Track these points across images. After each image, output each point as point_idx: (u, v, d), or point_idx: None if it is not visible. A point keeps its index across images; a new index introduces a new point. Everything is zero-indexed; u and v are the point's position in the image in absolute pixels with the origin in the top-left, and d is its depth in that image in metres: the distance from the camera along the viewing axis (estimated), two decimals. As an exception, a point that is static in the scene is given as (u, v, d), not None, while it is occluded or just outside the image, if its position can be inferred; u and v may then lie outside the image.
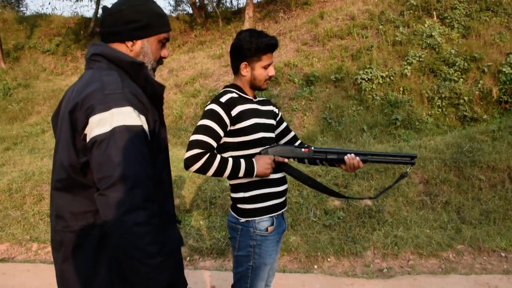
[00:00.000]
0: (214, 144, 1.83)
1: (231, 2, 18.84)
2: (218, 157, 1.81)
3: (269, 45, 1.90)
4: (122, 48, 1.42)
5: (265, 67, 1.93)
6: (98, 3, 15.05)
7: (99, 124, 1.19)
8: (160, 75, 10.22)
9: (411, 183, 4.75)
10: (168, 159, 1.54)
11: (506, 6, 8.97)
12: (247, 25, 12.16)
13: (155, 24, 1.44)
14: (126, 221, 1.13)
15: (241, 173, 1.84)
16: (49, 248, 4.58)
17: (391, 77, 8.03)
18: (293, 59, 9.21)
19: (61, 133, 1.30)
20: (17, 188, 5.41)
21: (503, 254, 3.86)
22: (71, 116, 1.25)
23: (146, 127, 1.31)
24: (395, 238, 4.04)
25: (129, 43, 1.43)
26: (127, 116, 1.22)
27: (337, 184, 4.75)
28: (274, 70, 2.00)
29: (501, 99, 7.21)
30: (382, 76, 7.99)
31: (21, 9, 18.96)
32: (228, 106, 1.85)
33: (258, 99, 2.07)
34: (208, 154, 1.78)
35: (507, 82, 7.25)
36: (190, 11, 15.95)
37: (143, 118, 1.29)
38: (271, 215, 1.95)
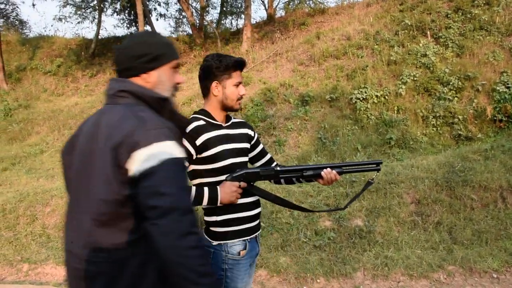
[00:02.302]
0: None
1: (231, 23, 19.14)
2: None
3: (238, 61, 1.96)
4: (138, 81, 1.47)
5: (236, 85, 1.97)
6: (99, 25, 15.33)
7: (147, 159, 1.26)
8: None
9: (403, 203, 4.74)
10: None
11: (500, 25, 9.05)
12: (245, 46, 12.33)
13: (165, 53, 1.50)
14: (180, 246, 1.23)
15: (205, 202, 1.85)
16: (40, 269, 4.58)
17: (386, 97, 8.07)
18: (289, 79, 9.30)
19: (94, 168, 1.33)
20: (11, 209, 5.44)
21: (494, 275, 3.82)
22: (114, 152, 1.29)
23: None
24: (386, 259, 4.01)
25: (144, 75, 1.47)
26: (171, 150, 1.30)
27: (328, 204, 4.75)
28: (244, 90, 2.04)
29: (495, 118, 7.20)
30: (376, 96, 8.04)
31: (24, 31, 19.26)
32: (192, 137, 1.87)
33: (232, 121, 2.08)
34: None
35: (501, 101, 7.26)
36: (190, 32, 16.18)
37: (182, 150, 1.38)
38: (243, 238, 1.95)
